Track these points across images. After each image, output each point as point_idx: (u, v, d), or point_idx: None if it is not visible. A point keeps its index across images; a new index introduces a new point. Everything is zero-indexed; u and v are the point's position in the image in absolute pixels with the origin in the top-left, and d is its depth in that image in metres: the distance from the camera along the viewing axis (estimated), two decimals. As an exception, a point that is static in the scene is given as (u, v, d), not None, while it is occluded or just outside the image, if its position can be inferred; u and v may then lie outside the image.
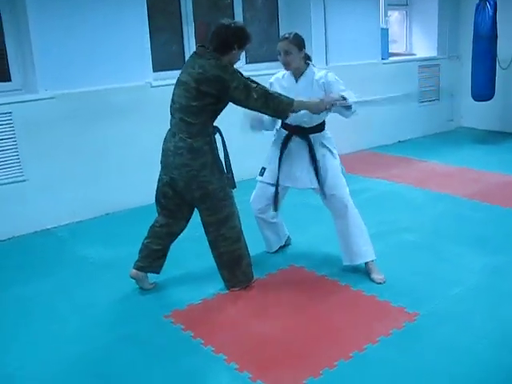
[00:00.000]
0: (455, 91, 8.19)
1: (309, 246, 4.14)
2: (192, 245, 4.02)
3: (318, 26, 6.50)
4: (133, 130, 5.14)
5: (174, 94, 3.34)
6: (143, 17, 5.16)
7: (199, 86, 3.15)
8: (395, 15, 8.19)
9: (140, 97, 5.18)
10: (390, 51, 7.68)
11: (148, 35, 5.21)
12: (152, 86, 5.25)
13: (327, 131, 3.70)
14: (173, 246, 3.62)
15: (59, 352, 2.94)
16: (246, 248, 3.53)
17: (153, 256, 3.52)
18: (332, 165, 3.61)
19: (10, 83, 4.81)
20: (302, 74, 3.53)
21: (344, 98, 3.39)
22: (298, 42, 3.46)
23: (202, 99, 3.19)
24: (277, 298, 3.41)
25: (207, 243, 3.49)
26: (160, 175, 3.46)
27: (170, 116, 3.37)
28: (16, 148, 4.59)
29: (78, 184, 4.91)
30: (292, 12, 6.59)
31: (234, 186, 3.47)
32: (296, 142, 3.63)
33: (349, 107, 3.45)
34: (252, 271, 3.58)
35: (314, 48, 6.46)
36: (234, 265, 3.48)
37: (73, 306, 3.44)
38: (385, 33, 7.27)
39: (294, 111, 3.33)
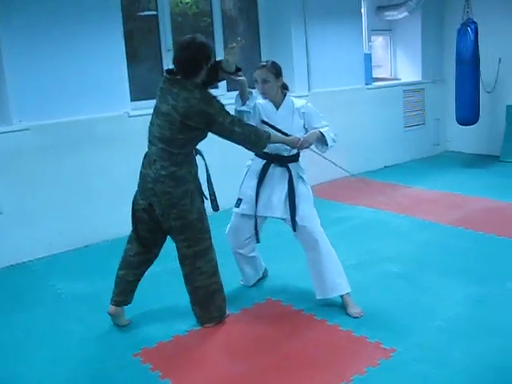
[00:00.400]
0: (440, 115, 8.19)
1: (286, 278, 4.04)
2: (167, 278, 3.95)
3: (300, 51, 6.49)
4: (111, 159, 5.06)
5: (153, 123, 3.22)
6: (120, 47, 5.12)
7: (185, 120, 3.07)
8: (379, 40, 8.20)
9: (117, 127, 5.12)
10: (374, 76, 7.69)
11: (125, 65, 5.17)
12: (130, 116, 5.19)
13: (300, 161, 3.63)
14: (147, 279, 3.53)
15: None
16: (221, 282, 3.43)
17: (129, 288, 3.43)
18: (305, 195, 3.53)
19: (-16, 115, 4.76)
20: (281, 102, 3.48)
21: (322, 135, 3.40)
22: (276, 71, 3.42)
23: (189, 132, 3.13)
24: (250, 335, 3.30)
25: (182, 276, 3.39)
26: (135, 198, 3.35)
27: (147, 142, 3.27)
28: (-10, 180, 4.51)
29: (54, 216, 4.82)
30: (273, 37, 6.58)
31: (217, 209, 3.39)
32: (275, 171, 3.55)
33: (325, 144, 3.44)
34: (225, 306, 3.47)
35: (295, 74, 6.46)
36: (208, 300, 3.37)
37: (42, 343, 3.33)
38: (368, 58, 7.27)
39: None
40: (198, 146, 3.34)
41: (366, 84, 7.24)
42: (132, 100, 5.35)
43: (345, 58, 6.87)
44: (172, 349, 3.19)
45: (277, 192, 3.53)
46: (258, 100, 3.52)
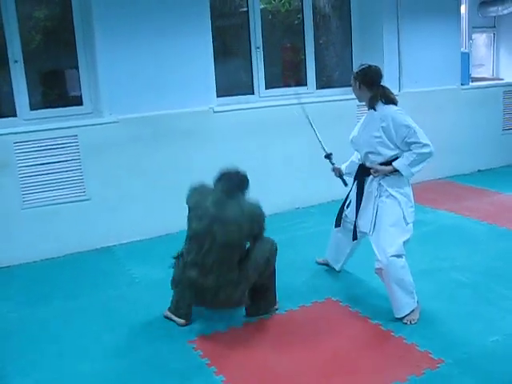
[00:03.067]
0: (545, 118, 7.69)
1: (350, 278, 4.06)
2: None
3: (391, 49, 6.36)
4: (194, 153, 5.27)
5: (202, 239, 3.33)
6: (208, 43, 5.29)
7: (242, 240, 3.31)
8: (482, 38, 7.85)
9: (203, 122, 5.31)
10: (474, 76, 7.37)
11: (212, 61, 5.34)
12: (215, 112, 5.36)
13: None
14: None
15: (79, 369, 3.08)
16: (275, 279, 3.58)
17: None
18: (387, 213, 3.46)
19: (81, 107, 5.13)
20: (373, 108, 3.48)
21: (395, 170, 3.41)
22: (363, 78, 3.44)
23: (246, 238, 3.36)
24: (302, 333, 3.35)
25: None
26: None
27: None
28: (80, 169, 4.87)
29: (138, 204, 5.11)
30: (365, 36, 6.50)
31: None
32: (368, 182, 3.62)
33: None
34: (275, 297, 3.61)
35: (386, 73, 6.26)
36: (260, 296, 3.52)
37: (107, 324, 3.59)
38: (466, 57, 6.98)
39: None
40: None
41: (462, 84, 6.96)
42: (218, 96, 5.51)
43: (439, 56, 6.64)
44: (225, 339, 3.32)
45: (365, 206, 3.60)
46: None
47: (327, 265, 4.24)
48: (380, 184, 3.47)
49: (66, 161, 4.82)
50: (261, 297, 3.50)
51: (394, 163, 3.39)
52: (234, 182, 3.40)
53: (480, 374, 2.84)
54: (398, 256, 3.39)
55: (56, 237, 4.83)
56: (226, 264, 3.25)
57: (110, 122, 4.93)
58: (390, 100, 3.45)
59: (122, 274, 4.40)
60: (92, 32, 4.86)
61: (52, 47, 5.18)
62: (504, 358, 2.98)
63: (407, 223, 3.43)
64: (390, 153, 3.40)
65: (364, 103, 3.55)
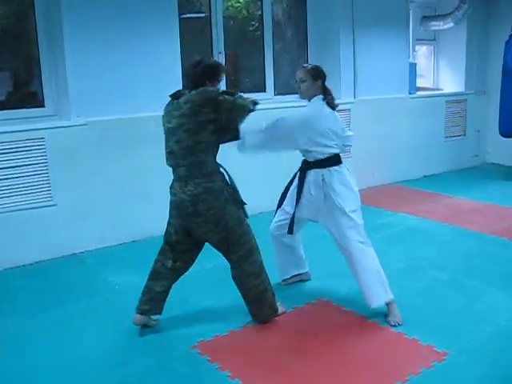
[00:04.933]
0: (482, 127, 8.18)
1: (336, 278, 4.09)
2: (219, 275, 4.00)
3: (347, 59, 6.55)
4: (162, 158, 5.14)
5: (169, 146, 3.27)
6: (176, 47, 5.25)
7: (196, 117, 3.13)
8: (423, 49, 8.23)
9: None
10: (417, 85, 7.71)
11: (180, 65, 5.28)
12: (182, 115, 5.29)
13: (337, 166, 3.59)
14: (202, 276, 3.63)
15: (81, 377, 2.95)
16: (268, 280, 3.50)
17: (156, 298, 3.43)
18: (345, 199, 3.53)
19: (43, 109, 4.92)
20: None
21: None
22: (315, 72, 3.54)
23: (204, 131, 3.16)
24: (304, 333, 3.37)
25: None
26: (170, 225, 3.43)
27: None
28: (47, 173, 4.66)
29: (106, 210, 4.96)
30: (321, 45, 6.66)
31: (247, 216, 3.44)
32: (308, 175, 3.63)
33: None
34: (276, 302, 3.55)
35: (342, 81, 6.53)
36: (259, 299, 3.46)
37: (100, 332, 3.44)
38: (413, 67, 7.30)
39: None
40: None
41: (410, 93, 7.28)
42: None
43: (391, 66, 6.92)
44: (229, 342, 3.28)
45: (313, 199, 3.62)
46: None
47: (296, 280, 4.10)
48: (322, 176, 3.54)
49: (32, 164, 4.60)
50: (261, 301, 3.45)
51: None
52: (188, 78, 3.31)
53: (486, 361, 2.98)
54: (363, 243, 3.50)
55: (22, 244, 4.59)
56: (196, 175, 3.18)
57: (79, 125, 4.76)
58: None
59: (100, 282, 4.24)
60: (57, 31, 4.68)
61: (13, 46, 4.94)
62: (503, 345, 3.14)
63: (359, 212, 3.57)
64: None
65: (306, 99, 3.60)
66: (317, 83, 3.54)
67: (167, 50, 5.19)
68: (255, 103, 3.34)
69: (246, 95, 3.38)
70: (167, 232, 3.45)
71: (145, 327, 3.43)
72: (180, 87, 5.22)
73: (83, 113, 4.80)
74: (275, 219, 3.81)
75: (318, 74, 3.55)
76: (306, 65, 3.64)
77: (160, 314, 3.46)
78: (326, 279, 4.13)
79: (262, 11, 6.26)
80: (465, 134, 8.07)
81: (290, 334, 3.37)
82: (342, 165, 3.59)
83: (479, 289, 3.90)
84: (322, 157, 3.53)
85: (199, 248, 3.48)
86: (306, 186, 3.61)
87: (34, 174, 4.62)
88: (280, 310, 3.58)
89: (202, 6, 6.00)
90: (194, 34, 6.06)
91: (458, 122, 7.95)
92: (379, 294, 3.47)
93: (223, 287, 3.88)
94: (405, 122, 7.23)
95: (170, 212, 3.41)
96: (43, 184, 4.67)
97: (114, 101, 4.93)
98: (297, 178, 3.70)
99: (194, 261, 3.52)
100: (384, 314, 3.48)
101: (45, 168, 4.65)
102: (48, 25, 4.77)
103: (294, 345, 3.24)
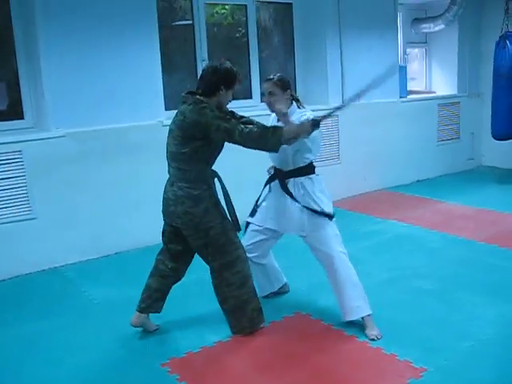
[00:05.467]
0: (475, 129, 8.07)
1: (315, 292, 3.99)
2: (199, 287, 3.94)
3: (334, 63, 6.47)
4: (144, 168, 5.10)
5: (167, 143, 3.34)
6: (156, 56, 5.19)
7: (183, 132, 3.17)
8: (415, 52, 8.14)
9: (151, 135, 5.15)
10: (409, 89, 7.62)
11: (160, 74, 5.23)
12: (164, 125, 5.21)
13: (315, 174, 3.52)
14: (180, 287, 3.56)
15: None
16: (254, 293, 3.43)
17: (153, 297, 3.46)
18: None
19: (22, 121, 4.85)
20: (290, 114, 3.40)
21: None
22: (282, 84, 3.42)
23: (189, 144, 3.17)
24: (280, 349, 3.27)
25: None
26: (164, 224, 3.47)
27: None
28: (25, 186, 4.59)
29: (87, 222, 4.88)
30: (308, 49, 6.58)
31: (239, 229, 3.43)
32: (278, 185, 3.53)
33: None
34: (260, 316, 3.46)
35: (330, 85, 6.45)
36: (238, 310, 3.38)
37: (71, 348, 3.37)
38: (403, 70, 7.21)
39: (285, 142, 3.17)
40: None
41: (401, 97, 7.18)
42: (166, 109, 5.38)
43: (380, 70, 6.73)
44: (200, 360, 3.19)
45: (285, 208, 3.49)
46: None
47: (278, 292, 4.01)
48: (302, 184, 3.44)
49: (10, 178, 4.53)
50: (240, 312, 3.37)
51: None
52: (203, 81, 3.26)
53: (464, 379, 2.86)
54: (345, 254, 3.42)
55: (1, 258, 4.52)
56: (180, 179, 3.23)
57: (57, 137, 4.69)
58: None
59: (78, 296, 4.16)
60: (34, 42, 4.61)
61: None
62: (483, 361, 3.02)
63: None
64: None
65: (272, 112, 3.45)
66: (286, 93, 3.43)
67: (147, 60, 5.13)
68: (278, 133, 3.13)
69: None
70: (162, 231, 3.50)
71: (145, 332, 3.48)
72: (161, 97, 5.27)
73: (62, 124, 4.73)
74: (245, 242, 3.64)
75: (285, 85, 3.44)
76: (271, 76, 3.46)
77: (158, 312, 3.49)
78: (306, 291, 4.03)
79: (247, 17, 6.18)
80: (459, 137, 7.97)
81: (263, 350, 3.27)
82: (317, 173, 3.52)
83: (464, 299, 3.79)
84: (303, 164, 3.45)
85: (192, 253, 3.46)
86: (283, 195, 3.49)
87: (12, 187, 4.55)
88: (261, 325, 3.49)
89: (186, 14, 5.93)
90: (178, 42, 5.99)
91: (452, 124, 7.83)
92: (359, 308, 3.39)
93: (203, 300, 3.82)
94: (396, 126, 7.13)
95: (162, 212, 3.44)
96: (22, 197, 4.59)
97: (94, 111, 4.86)
98: (268, 189, 3.60)
99: (187, 266, 3.52)
100: (362, 328, 3.38)
101: (23, 181, 4.58)
102: (25, 37, 4.70)
103: (266, 362, 3.14)
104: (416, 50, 8.12)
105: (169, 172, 3.36)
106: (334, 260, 3.38)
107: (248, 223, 3.71)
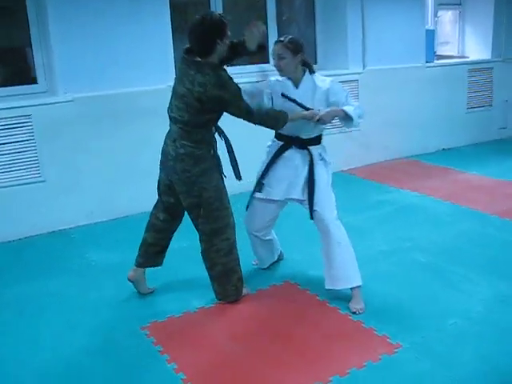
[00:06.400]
0: (510, 97, 7.71)
1: (309, 262, 3.95)
2: (190, 253, 3.93)
3: (355, 26, 6.26)
4: (152, 132, 5.08)
5: (171, 103, 3.27)
6: (166, 20, 5.14)
7: (202, 105, 3.09)
8: (448, 15, 7.79)
9: (161, 100, 5.12)
10: (439, 53, 7.33)
11: (171, 39, 5.19)
12: (174, 90, 5.21)
13: (323, 143, 3.52)
14: (172, 253, 3.62)
15: (32, 356, 2.98)
16: (238, 262, 3.44)
17: (149, 251, 3.54)
18: (322, 179, 3.40)
19: (35, 85, 4.93)
20: (300, 80, 3.35)
21: (346, 114, 3.24)
22: (294, 46, 3.26)
23: (204, 115, 3.16)
24: (260, 317, 3.29)
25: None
26: (160, 175, 3.46)
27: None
28: (35, 149, 4.69)
29: (95, 186, 4.97)
30: (328, 12, 6.39)
31: (240, 178, 3.42)
32: (295, 153, 3.46)
33: (350, 121, 3.29)
34: (242, 286, 3.48)
35: (349, 50, 6.27)
36: (225, 277, 3.40)
37: (60, 309, 3.48)
38: (431, 34, 6.92)
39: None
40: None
41: (427, 62, 6.91)
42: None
43: (404, 34, 6.57)
44: (179, 325, 3.24)
45: (298, 175, 3.44)
46: (275, 77, 3.44)
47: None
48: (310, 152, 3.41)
49: (20, 141, 4.64)
50: (226, 279, 3.39)
51: (345, 108, 3.25)
52: (195, 38, 3.10)
53: (436, 358, 2.80)
54: (340, 222, 3.38)
55: (10, 220, 4.67)
56: (184, 138, 3.20)
57: (65, 101, 4.75)
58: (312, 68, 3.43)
59: (77, 258, 4.27)
60: (45, 8, 4.64)
61: (3, 23, 4.94)
62: (460, 341, 2.95)
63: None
64: None
65: (287, 75, 3.35)
66: (296, 58, 3.29)
67: (157, 24, 5.09)
68: (284, 117, 3.23)
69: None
70: (157, 183, 3.51)
71: (136, 294, 3.55)
72: (171, 62, 5.23)
73: (71, 89, 4.78)
74: (258, 223, 3.64)
75: (297, 48, 3.28)
76: (282, 38, 3.32)
77: (155, 266, 3.59)
78: (300, 261, 4.01)
79: (265, -21, 6.03)
80: (491, 105, 7.64)
81: (243, 319, 3.29)
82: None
83: (459, 275, 3.69)
84: (321, 132, 3.46)
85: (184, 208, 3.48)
86: (300, 161, 3.44)
87: (22, 150, 4.66)
88: (244, 292, 3.51)
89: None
90: (191, 4, 5.91)
91: (484, 91, 7.51)
92: (350, 276, 3.34)
93: (191, 266, 3.84)
94: (422, 92, 6.89)
95: (159, 163, 3.44)
96: (32, 160, 4.70)
97: (103, 77, 4.89)
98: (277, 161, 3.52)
99: (180, 218, 3.54)
100: (348, 299, 3.35)
101: (33, 144, 4.68)
102: (37, 4, 4.74)
103: (243, 331, 3.16)
104: (449, 12, 7.77)
105: (170, 127, 3.32)
106: (330, 224, 3.33)
107: (257, 200, 3.60)
